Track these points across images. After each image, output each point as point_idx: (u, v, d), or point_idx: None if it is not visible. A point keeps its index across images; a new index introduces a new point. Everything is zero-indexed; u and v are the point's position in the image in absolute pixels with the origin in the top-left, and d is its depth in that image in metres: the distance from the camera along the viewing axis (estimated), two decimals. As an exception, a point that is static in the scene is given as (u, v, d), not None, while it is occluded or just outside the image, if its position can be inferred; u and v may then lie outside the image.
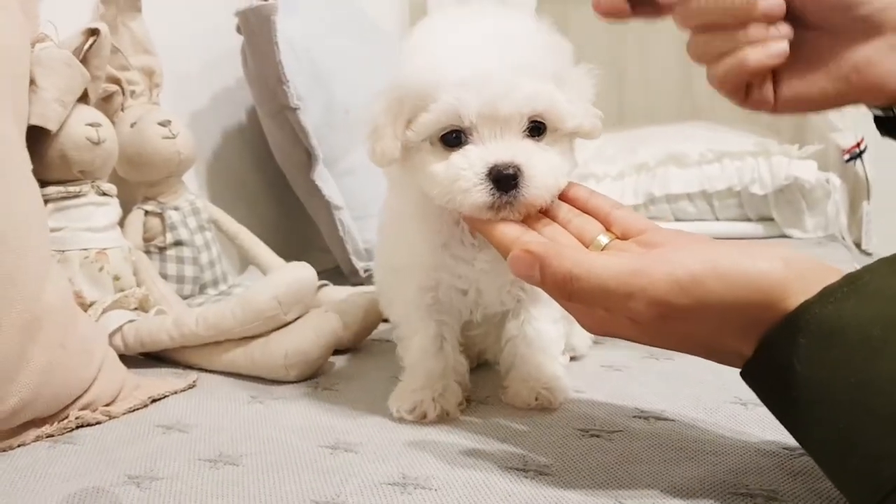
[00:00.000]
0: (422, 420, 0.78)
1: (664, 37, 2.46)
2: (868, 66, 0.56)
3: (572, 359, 0.96)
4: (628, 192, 1.97)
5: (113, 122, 1.17)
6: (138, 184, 1.21)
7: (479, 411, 0.81)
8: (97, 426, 0.82)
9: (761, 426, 0.70)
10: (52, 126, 0.97)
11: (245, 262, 1.41)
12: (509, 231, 0.65)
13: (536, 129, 0.69)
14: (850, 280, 0.50)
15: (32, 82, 0.95)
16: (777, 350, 0.52)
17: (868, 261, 0.53)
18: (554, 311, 0.83)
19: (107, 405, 0.84)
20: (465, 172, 0.66)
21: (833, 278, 0.51)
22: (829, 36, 0.57)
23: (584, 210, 0.69)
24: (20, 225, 0.78)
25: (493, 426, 0.76)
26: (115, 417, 0.83)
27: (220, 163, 1.47)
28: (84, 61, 1.04)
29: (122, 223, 1.16)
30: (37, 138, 0.99)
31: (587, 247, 0.64)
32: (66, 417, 0.80)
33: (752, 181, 1.77)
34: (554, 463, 0.66)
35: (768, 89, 0.59)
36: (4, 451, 0.76)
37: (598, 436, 0.72)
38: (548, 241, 0.64)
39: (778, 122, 2.09)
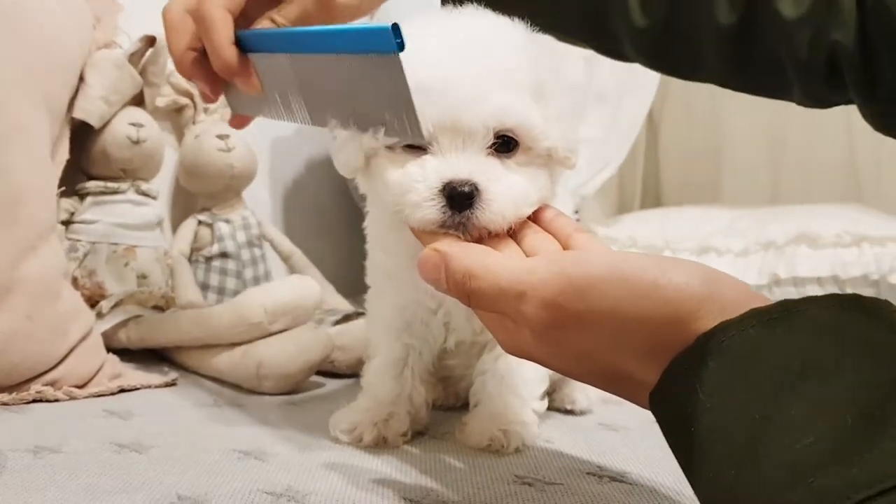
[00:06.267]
0: (358, 443, 0.72)
1: (831, 114, 2.25)
2: None
3: (568, 412, 0.87)
4: (751, 271, 1.78)
5: (182, 133, 1.23)
6: (198, 194, 1.24)
7: (425, 445, 0.74)
8: (55, 403, 0.82)
9: None
10: (93, 121, 1.03)
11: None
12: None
13: (506, 144, 0.61)
14: (785, 306, 0.41)
15: (82, 79, 1.02)
16: (682, 374, 0.43)
17: None
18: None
19: (76, 386, 0.84)
20: (418, 185, 0.59)
21: (759, 305, 0.42)
22: None
23: (547, 230, 0.61)
24: (11, 199, 0.82)
25: (426, 460, 0.69)
26: (75, 399, 0.83)
27: (299, 190, 1.50)
28: (142, 68, 1.10)
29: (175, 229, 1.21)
30: (86, 134, 1.05)
31: None
32: (27, 390, 0.81)
33: (893, 270, 1.57)
34: (460, 501, 0.59)
35: None
36: (-45, 410, 0.78)
37: (530, 484, 0.63)
38: (461, 242, 0.57)
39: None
